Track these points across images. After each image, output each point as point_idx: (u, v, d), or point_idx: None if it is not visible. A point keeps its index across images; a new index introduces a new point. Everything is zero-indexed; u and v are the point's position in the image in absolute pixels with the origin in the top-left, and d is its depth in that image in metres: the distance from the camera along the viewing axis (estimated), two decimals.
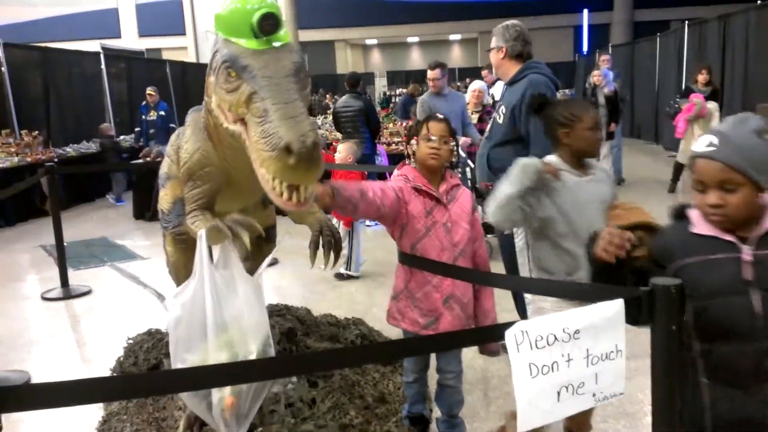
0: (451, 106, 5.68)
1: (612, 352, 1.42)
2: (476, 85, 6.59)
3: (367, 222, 6.93)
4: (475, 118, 6.16)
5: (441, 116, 2.42)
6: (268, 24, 1.75)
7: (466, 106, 6.02)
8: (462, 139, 5.50)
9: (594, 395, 1.44)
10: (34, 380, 3.45)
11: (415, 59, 32.05)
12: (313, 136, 1.59)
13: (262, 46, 1.76)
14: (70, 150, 9.81)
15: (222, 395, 2.00)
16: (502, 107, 3.19)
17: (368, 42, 32.74)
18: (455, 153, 2.40)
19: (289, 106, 1.65)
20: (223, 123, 1.87)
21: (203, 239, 1.98)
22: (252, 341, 1.99)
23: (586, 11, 18.28)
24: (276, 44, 1.79)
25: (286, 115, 1.62)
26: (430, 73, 5.79)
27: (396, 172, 2.44)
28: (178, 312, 1.97)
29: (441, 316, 2.36)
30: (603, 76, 7.98)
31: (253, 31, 1.75)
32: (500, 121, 3.19)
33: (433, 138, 2.33)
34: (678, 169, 7.72)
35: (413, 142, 2.39)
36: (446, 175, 2.41)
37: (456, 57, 32.42)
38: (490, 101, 6.88)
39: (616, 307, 1.43)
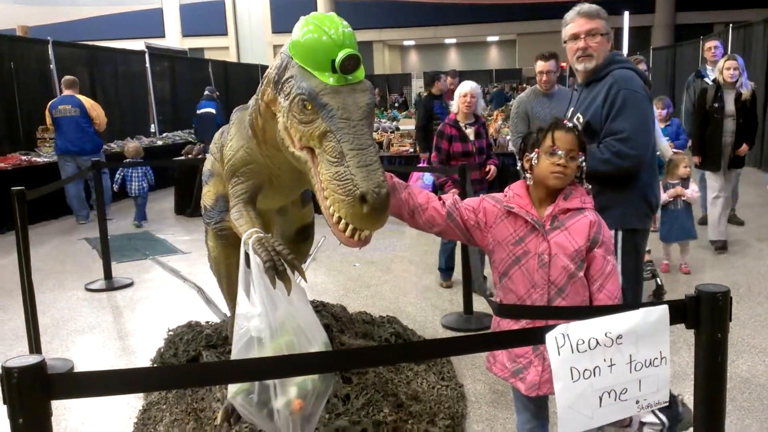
0: (560, 107, 4.13)
1: (656, 358, 1.40)
2: (467, 87, 4.58)
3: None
4: (470, 134, 4.53)
5: (570, 124, 1.96)
6: (351, 64, 1.76)
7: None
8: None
9: (637, 402, 1.42)
10: (77, 369, 3.56)
11: (452, 60, 31.92)
12: (386, 186, 1.65)
13: (339, 82, 1.77)
14: (115, 146, 10.06)
15: (288, 399, 1.98)
16: (578, 116, 2.53)
17: (406, 43, 32.74)
18: (583, 168, 1.94)
19: (364, 152, 1.68)
20: (288, 146, 1.89)
21: (250, 248, 1.96)
22: (314, 343, 1.99)
23: (626, 13, 17.89)
24: (350, 78, 1.79)
25: (362, 163, 1.66)
26: (542, 65, 4.50)
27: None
28: (259, 324, 1.94)
29: (530, 365, 1.93)
30: (740, 70, 5.30)
31: (333, 67, 1.76)
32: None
33: (559, 152, 1.87)
34: None
35: (533, 154, 1.92)
36: (560, 196, 1.91)
37: (493, 58, 32.15)
38: (485, 111, 5.27)
39: (659, 312, 1.41)
